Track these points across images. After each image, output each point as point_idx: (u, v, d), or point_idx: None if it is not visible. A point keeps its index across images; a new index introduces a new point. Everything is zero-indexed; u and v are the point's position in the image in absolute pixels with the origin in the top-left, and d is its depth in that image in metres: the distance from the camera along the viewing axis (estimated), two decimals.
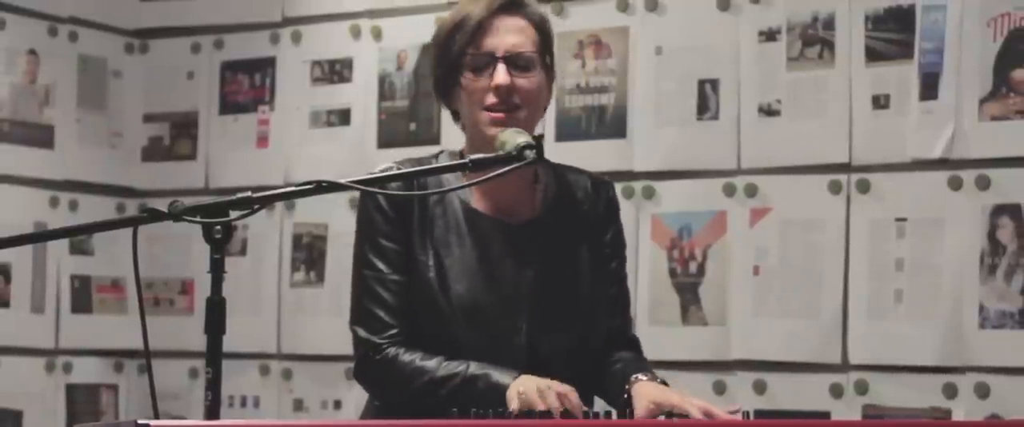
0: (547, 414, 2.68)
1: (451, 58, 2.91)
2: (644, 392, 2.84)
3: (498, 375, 2.79)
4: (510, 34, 2.91)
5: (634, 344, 3.09)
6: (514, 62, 2.90)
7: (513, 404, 2.71)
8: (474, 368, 2.82)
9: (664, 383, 2.91)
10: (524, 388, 2.72)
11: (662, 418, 2.77)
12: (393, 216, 2.92)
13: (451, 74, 2.92)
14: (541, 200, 2.99)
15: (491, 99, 2.88)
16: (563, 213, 3.00)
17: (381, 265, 2.91)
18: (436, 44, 2.97)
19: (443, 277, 2.90)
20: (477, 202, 2.95)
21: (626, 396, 2.86)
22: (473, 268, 2.91)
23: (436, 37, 2.99)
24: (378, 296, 2.90)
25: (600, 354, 3.01)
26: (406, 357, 2.87)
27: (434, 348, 2.87)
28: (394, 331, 2.89)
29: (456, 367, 2.83)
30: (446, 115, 3.17)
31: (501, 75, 2.88)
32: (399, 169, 2.87)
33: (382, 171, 2.87)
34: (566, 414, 2.69)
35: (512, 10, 2.93)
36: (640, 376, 2.89)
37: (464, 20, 2.91)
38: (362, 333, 2.91)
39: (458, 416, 2.59)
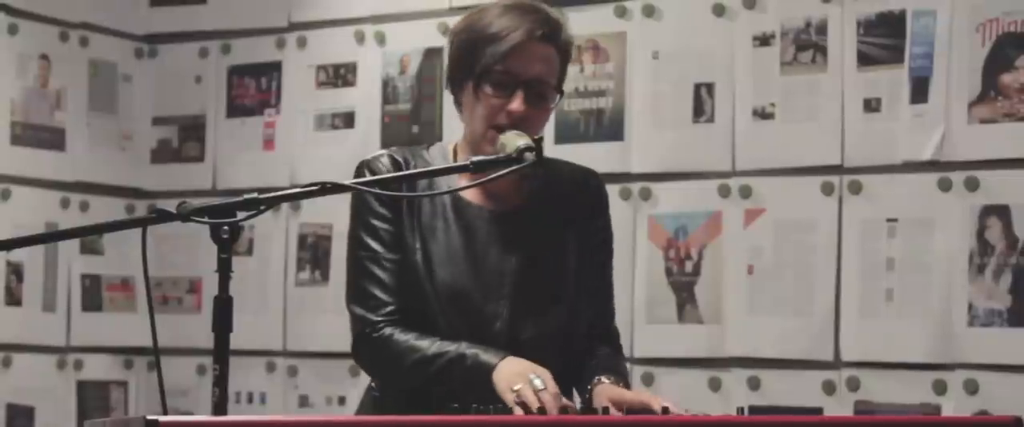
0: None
1: (476, 68, 2.91)
2: (601, 393, 2.88)
3: (486, 356, 2.83)
4: (538, 62, 2.92)
5: (614, 337, 3.13)
6: (534, 90, 2.92)
7: (507, 396, 2.73)
8: (464, 347, 2.85)
9: (627, 386, 2.94)
10: (516, 379, 2.74)
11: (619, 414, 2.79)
12: (386, 198, 2.94)
13: (469, 79, 2.94)
14: (529, 189, 3.03)
15: (502, 119, 2.91)
16: (550, 202, 3.03)
17: (375, 245, 2.95)
18: (460, 42, 2.97)
19: (428, 261, 2.94)
20: (465, 190, 2.96)
21: (587, 396, 2.91)
22: (458, 254, 2.95)
23: (461, 33, 2.97)
24: (373, 275, 2.94)
25: (582, 345, 3.04)
26: (401, 336, 2.90)
27: (420, 328, 2.91)
28: (390, 308, 2.93)
29: (447, 346, 2.87)
30: (448, 118, 3.22)
31: (518, 102, 2.90)
32: (391, 156, 2.93)
33: (375, 158, 2.94)
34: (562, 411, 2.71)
35: (548, 37, 2.94)
36: (603, 378, 2.93)
37: (498, 36, 2.90)
38: (359, 311, 2.94)
39: (458, 412, 2.60)
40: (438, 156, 3.01)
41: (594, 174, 3.13)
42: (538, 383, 2.73)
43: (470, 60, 2.93)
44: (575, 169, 3.11)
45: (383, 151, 2.99)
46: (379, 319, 2.93)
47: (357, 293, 2.96)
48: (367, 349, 2.95)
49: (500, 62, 2.90)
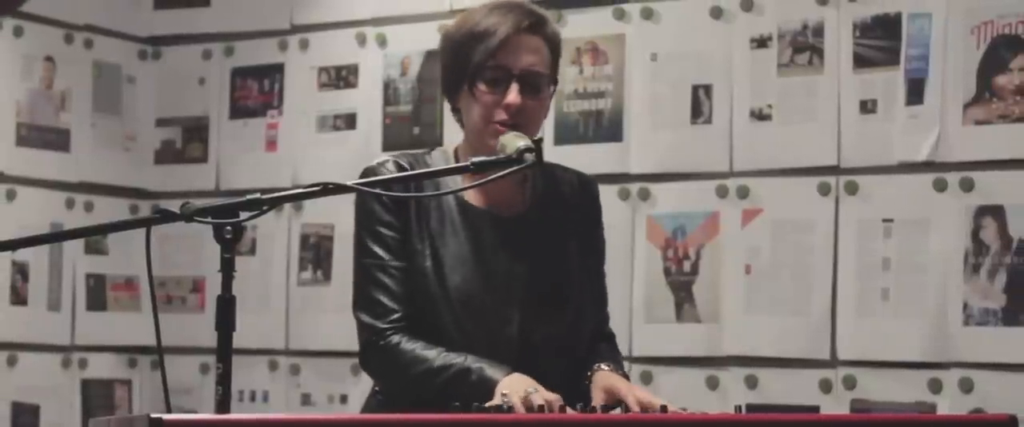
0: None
1: (468, 67, 2.96)
2: (599, 380, 2.94)
3: (490, 370, 2.84)
4: (528, 53, 2.97)
5: (610, 338, 3.17)
6: (527, 81, 2.96)
7: (496, 400, 2.74)
8: (470, 361, 2.87)
9: (625, 376, 2.99)
10: (509, 390, 2.76)
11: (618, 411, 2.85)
12: (391, 205, 2.97)
13: (464, 80, 2.98)
14: (530, 195, 3.06)
15: (500, 115, 2.94)
16: (551, 207, 3.07)
17: (382, 252, 2.96)
18: (451, 46, 3.01)
19: (439, 267, 2.96)
20: (470, 196, 3.01)
21: (587, 382, 2.96)
22: (468, 259, 2.97)
23: (451, 37, 3.02)
24: (380, 282, 2.95)
25: (585, 347, 3.06)
26: (408, 345, 2.92)
27: (427, 334, 2.93)
28: (397, 315, 2.94)
29: (453, 358, 2.88)
30: (448, 119, 3.22)
31: (514, 94, 2.94)
32: (395, 161, 2.96)
33: (379, 164, 2.96)
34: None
35: (534, 29, 2.99)
36: (602, 365, 2.98)
37: (486, 32, 2.95)
38: (366, 319, 2.96)
39: (459, 410, 2.61)
40: (440, 160, 3.03)
41: (591, 180, 3.18)
42: (534, 397, 2.74)
43: (462, 61, 2.98)
44: (572, 174, 3.15)
45: (388, 156, 3.01)
46: (386, 326, 2.94)
47: (364, 301, 2.97)
48: (374, 357, 2.96)
49: (491, 57, 2.95)
